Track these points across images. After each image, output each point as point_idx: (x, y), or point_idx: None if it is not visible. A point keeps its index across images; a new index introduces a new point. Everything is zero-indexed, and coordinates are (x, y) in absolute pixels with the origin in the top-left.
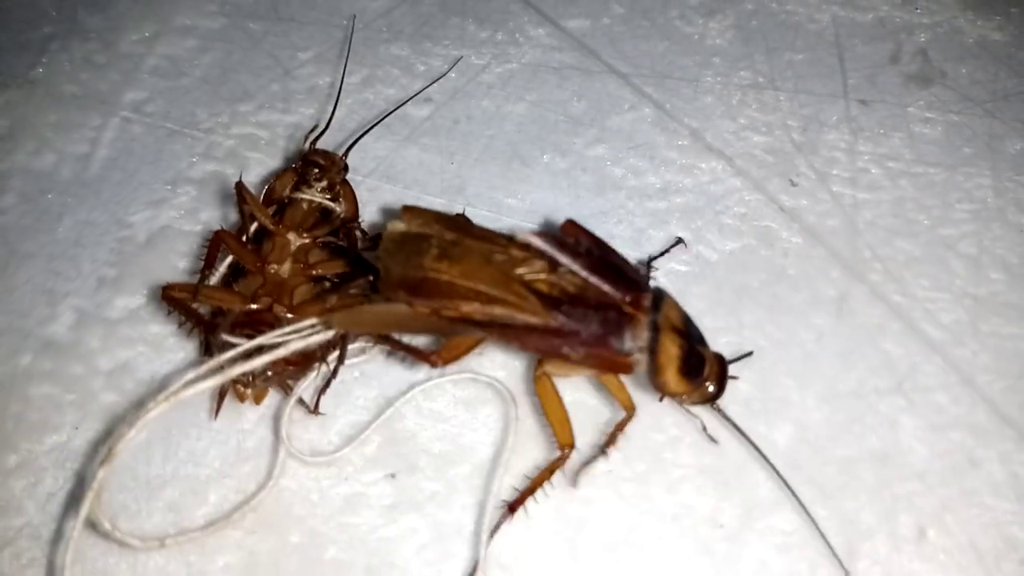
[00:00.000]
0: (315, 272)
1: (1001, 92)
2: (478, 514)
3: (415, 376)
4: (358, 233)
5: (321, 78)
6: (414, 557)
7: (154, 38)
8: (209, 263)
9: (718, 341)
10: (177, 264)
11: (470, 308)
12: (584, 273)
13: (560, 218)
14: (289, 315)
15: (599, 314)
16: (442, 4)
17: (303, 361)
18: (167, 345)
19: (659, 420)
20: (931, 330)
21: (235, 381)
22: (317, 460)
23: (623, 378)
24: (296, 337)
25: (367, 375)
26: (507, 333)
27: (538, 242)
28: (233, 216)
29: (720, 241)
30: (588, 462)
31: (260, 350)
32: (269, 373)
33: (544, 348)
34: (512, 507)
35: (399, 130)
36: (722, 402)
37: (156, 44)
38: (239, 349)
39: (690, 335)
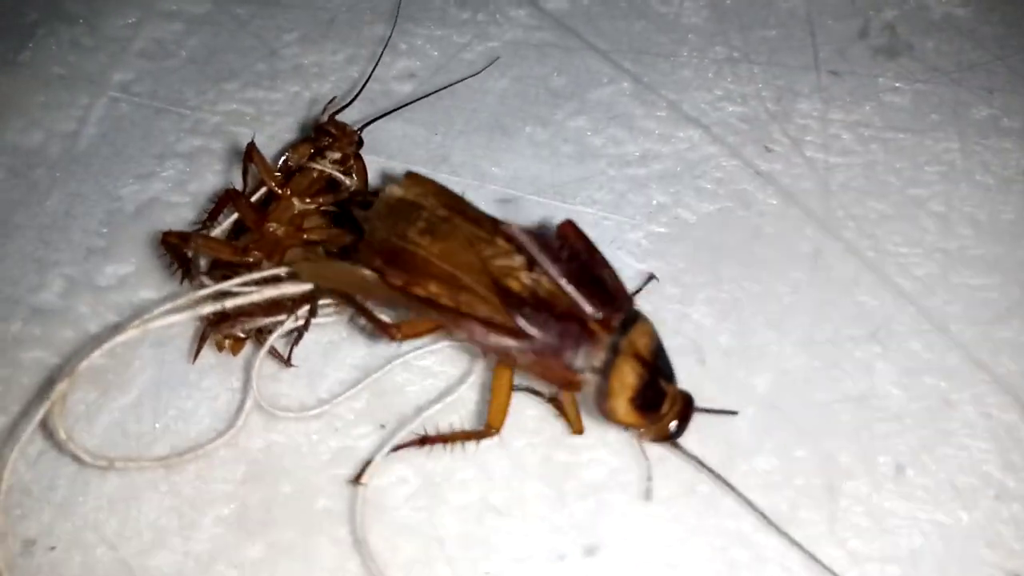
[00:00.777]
0: (308, 236)
1: (966, 63)
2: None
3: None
4: (367, 195)
5: (306, 57)
6: (403, 504)
7: (140, 23)
8: (212, 216)
9: (697, 296)
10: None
11: (438, 290)
12: (557, 279)
13: (543, 186)
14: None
15: (560, 324)
16: None
17: (273, 309)
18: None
19: None
20: (904, 282)
21: (212, 326)
22: (287, 415)
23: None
24: (269, 286)
25: (356, 334)
26: (461, 322)
27: (520, 237)
28: (222, 184)
29: (698, 204)
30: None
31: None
32: (243, 320)
33: (492, 345)
34: (423, 440)
35: (383, 105)
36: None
37: (143, 28)
38: (212, 288)
39: (656, 367)
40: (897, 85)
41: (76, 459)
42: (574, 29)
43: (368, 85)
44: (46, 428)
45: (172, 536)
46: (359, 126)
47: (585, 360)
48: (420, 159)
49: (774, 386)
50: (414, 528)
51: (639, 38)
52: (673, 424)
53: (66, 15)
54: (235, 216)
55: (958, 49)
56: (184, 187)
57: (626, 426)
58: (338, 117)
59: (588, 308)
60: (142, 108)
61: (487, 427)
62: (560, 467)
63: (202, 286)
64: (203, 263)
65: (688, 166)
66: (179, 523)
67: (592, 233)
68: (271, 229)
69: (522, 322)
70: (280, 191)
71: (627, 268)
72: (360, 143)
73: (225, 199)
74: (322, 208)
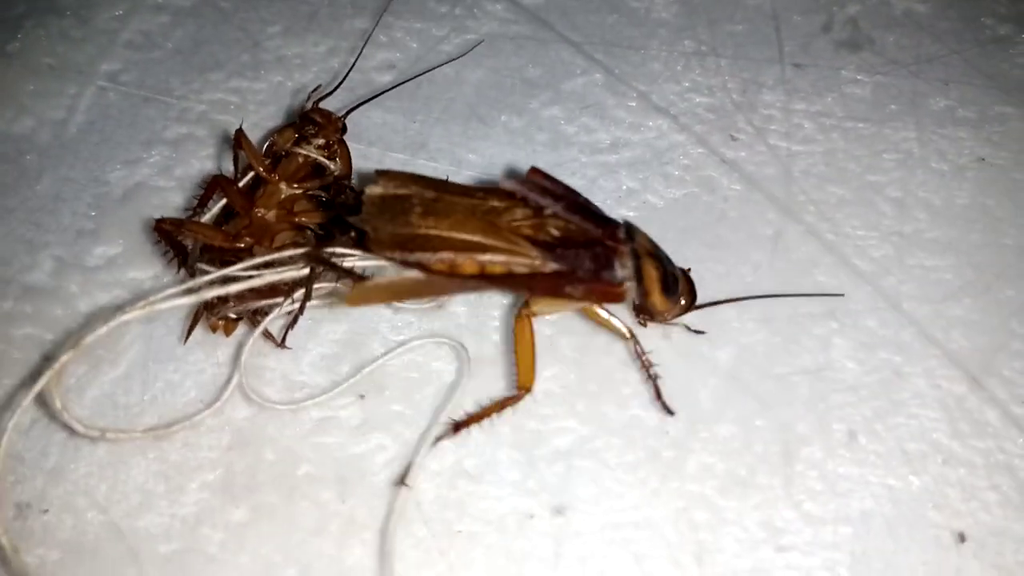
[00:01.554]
0: (298, 220)
1: (925, 56)
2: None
3: (382, 312)
4: (349, 191)
5: (289, 49)
6: (383, 470)
7: (127, 15)
8: (202, 203)
9: None
10: (152, 216)
11: (463, 259)
12: (566, 214)
13: (518, 171)
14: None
15: (588, 251)
16: None
17: (270, 293)
18: (144, 288)
19: (610, 345)
20: (861, 263)
21: (207, 308)
22: (274, 406)
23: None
24: (269, 272)
25: (337, 311)
26: (514, 282)
27: (523, 188)
28: (207, 170)
29: (666, 190)
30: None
31: (234, 280)
32: (238, 303)
33: (550, 290)
34: (457, 427)
35: (364, 94)
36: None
37: (130, 20)
38: (215, 275)
39: (663, 257)
40: (858, 77)
41: (68, 429)
42: (549, 22)
43: (349, 75)
44: (39, 398)
45: (159, 500)
46: (342, 113)
47: (622, 271)
48: (399, 146)
49: (736, 360)
50: (392, 492)
51: (611, 32)
52: (684, 299)
53: (55, 7)
54: (223, 202)
55: (917, 43)
56: (170, 172)
57: (658, 314)
58: (320, 105)
59: (597, 230)
60: (129, 97)
61: (519, 388)
62: (531, 435)
63: (197, 272)
64: (190, 246)
65: (656, 154)
66: (166, 487)
67: None
68: (259, 214)
69: (561, 263)
70: (268, 176)
71: None
72: (344, 129)
73: (213, 185)
74: (309, 192)
